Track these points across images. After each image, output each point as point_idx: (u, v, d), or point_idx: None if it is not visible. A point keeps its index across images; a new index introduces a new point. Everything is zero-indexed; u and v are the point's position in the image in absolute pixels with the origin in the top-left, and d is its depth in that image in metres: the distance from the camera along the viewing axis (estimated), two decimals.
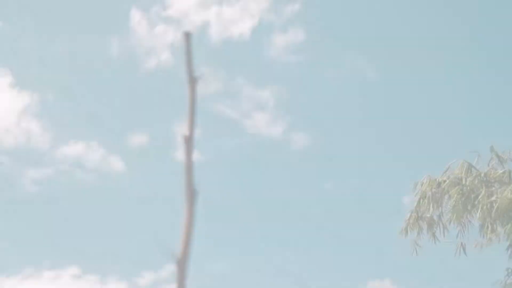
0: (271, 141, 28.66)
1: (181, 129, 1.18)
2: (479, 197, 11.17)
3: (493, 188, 11.54)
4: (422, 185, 12.25)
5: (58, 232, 29.25)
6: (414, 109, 30.00)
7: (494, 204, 10.86)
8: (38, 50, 29.32)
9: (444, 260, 24.16)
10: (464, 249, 11.98)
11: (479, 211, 11.09)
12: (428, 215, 12.30)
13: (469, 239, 12.06)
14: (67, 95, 31.31)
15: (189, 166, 1.16)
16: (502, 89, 28.05)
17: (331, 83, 28.89)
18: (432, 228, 12.29)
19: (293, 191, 30.25)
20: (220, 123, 29.21)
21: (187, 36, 1.20)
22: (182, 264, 1.13)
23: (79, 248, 28.91)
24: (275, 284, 27.92)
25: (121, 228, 30.07)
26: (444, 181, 12.04)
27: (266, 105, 28.24)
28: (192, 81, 1.19)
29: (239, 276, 28.58)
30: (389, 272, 27.20)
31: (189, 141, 1.18)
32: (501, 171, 11.79)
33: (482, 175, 11.90)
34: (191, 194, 1.16)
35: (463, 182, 11.76)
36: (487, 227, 11.19)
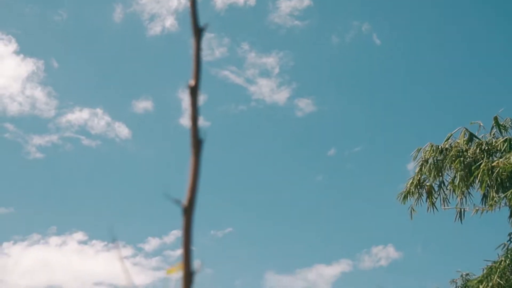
0: (275, 107, 28.75)
1: (188, 81, 1.26)
2: (481, 165, 11.22)
3: (495, 158, 11.59)
4: (424, 152, 12.34)
5: (64, 198, 29.60)
6: (419, 76, 29.99)
7: (494, 170, 10.93)
8: (43, 18, 29.28)
9: (447, 226, 24.41)
10: (462, 216, 12.14)
11: (479, 177, 11.17)
12: (429, 184, 12.40)
13: (470, 206, 12.20)
14: (72, 62, 31.37)
15: (194, 116, 1.24)
16: (506, 57, 28.00)
17: (336, 49, 28.85)
18: (432, 196, 12.40)
19: (296, 157, 30.45)
20: (225, 89, 29.28)
21: None
22: (189, 210, 1.22)
23: (85, 214, 29.31)
24: (278, 249, 28.25)
25: (126, 195, 30.41)
26: (446, 149, 12.11)
27: (271, 72, 28.24)
28: (197, 32, 1.27)
29: (242, 240, 28.92)
30: (392, 238, 27.52)
31: (194, 91, 1.26)
32: (502, 139, 11.82)
33: (484, 144, 11.95)
34: (197, 143, 1.24)
35: (465, 153, 11.82)
36: (488, 193, 11.30)
